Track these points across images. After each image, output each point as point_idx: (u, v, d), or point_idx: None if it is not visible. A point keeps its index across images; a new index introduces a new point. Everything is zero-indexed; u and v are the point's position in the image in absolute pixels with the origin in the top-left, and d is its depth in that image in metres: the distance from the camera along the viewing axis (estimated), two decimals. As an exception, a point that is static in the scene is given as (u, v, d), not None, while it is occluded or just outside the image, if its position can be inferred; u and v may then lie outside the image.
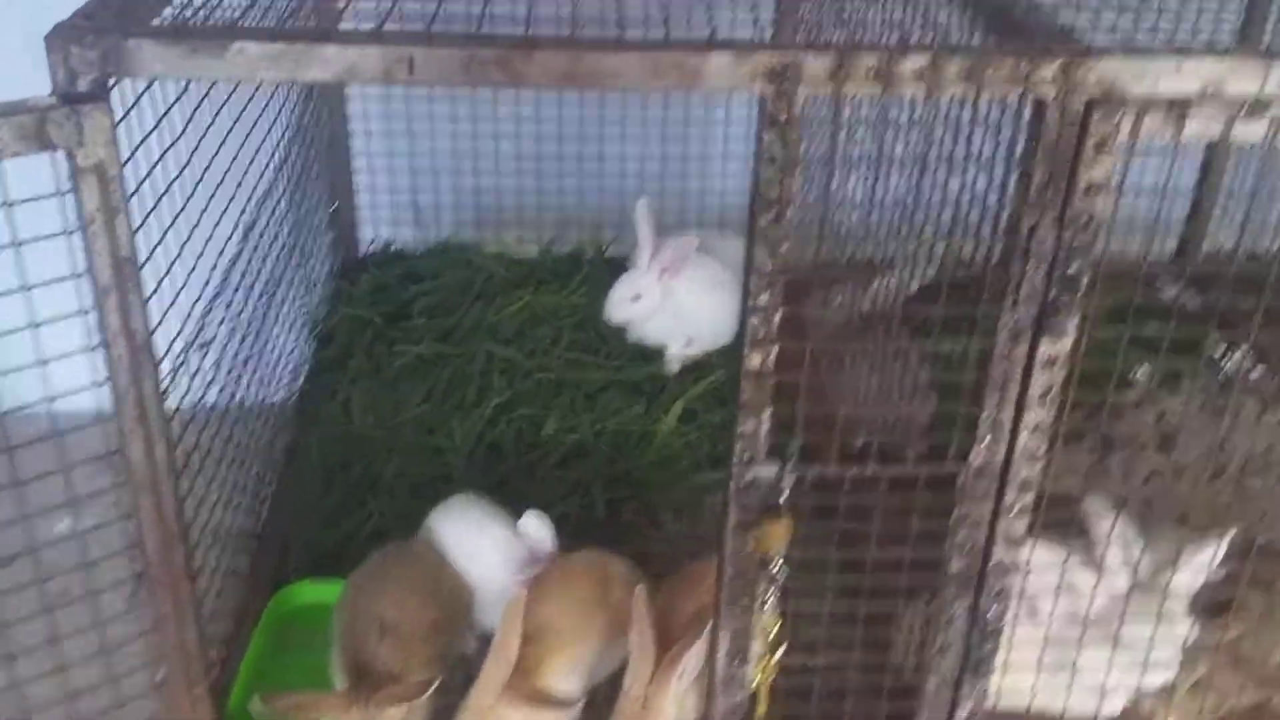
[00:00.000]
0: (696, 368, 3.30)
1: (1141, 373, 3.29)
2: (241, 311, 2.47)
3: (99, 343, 1.62)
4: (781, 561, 1.94)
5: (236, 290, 2.41)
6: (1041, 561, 2.05)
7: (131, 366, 1.64)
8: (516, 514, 2.50)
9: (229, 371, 2.41)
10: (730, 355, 3.26)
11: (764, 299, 1.73)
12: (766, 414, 1.85)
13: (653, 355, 3.30)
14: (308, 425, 3.06)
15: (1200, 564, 2.17)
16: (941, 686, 2.13)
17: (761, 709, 2.11)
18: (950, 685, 2.13)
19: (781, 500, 1.88)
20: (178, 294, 1.99)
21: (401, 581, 2.32)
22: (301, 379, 3.22)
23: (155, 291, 1.81)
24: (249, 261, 2.50)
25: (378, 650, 2.17)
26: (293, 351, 3.13)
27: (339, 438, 3.01)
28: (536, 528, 2.42)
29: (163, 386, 1.73)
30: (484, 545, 2.46)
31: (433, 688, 2.02)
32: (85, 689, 1.91)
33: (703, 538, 2.76)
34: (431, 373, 3.21)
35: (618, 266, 3.36)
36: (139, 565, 1.82)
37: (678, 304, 3.21)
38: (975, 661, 2.09)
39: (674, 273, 3.16)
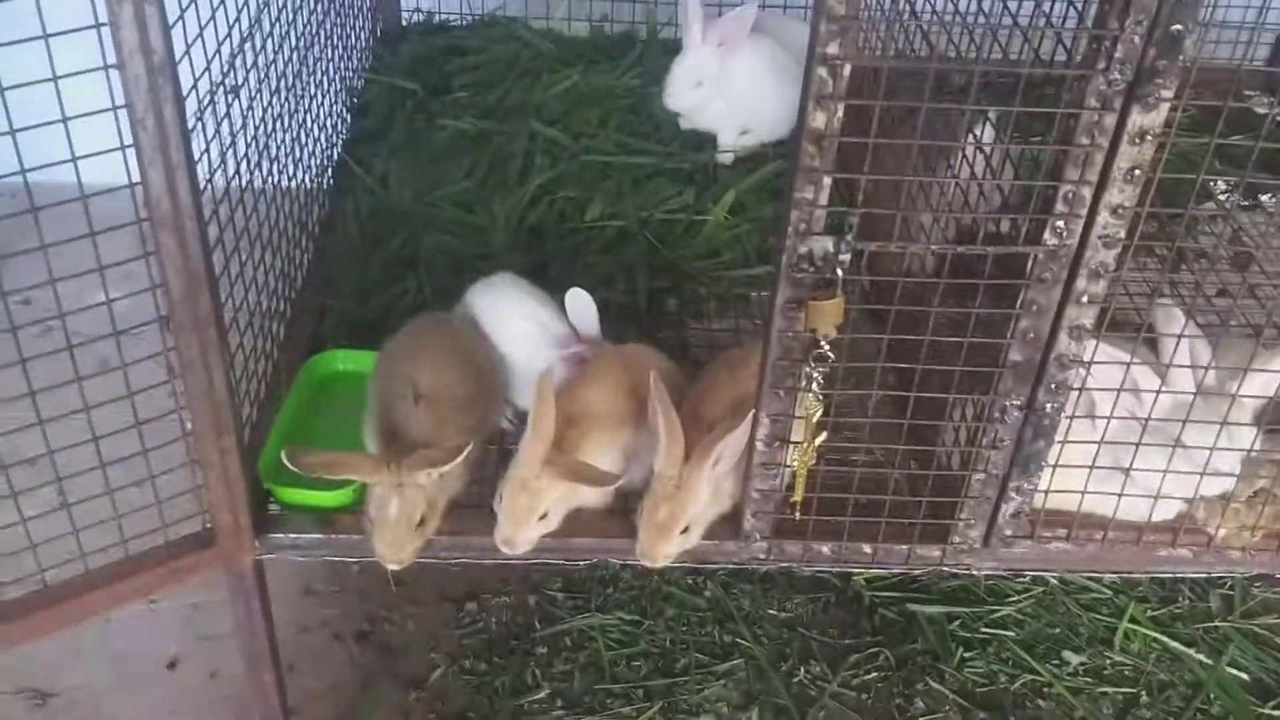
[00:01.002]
0: (750, 159, 3.14)
1: (1222, 187, 3.12)
2: (273, 62, 2.33)
3: (113, 63, 1.50)
4: (830, 342, 1.85)
5: (268, 38, 2.28)
6: (1105, 359, 1.95)
7: (150, 89, 1.53)
8: (557, 298, 2.41)
9: (261, 125, 2.29)
10: (786, 147, 3.11)
11: (833, 47, 1.58)
12: (827, 181, 1.73)
13: (705, 144, 3.15)
14: (344, 197, 2.96)
15: (1269, 376, 2.06)
16: (988, 482, 2.06)
17: (798, 495, 2.05)
18: (997, 482, 2.06)
19: (838, 274, 1.77)
20: (202, 28, 1.86)
21: (438, 351, 2.25)
22: (338, 148, 3.11)
23: (179, 19, 1.68)
24: (281, 7, 2.35)
25: (411, 416, 2.11)
26: (329, 119, 3.00)
27: (377, 211, 2.91)
28: (581, 306, 2.33)
29: (190, 124, 1.63)
30: (524, 324, 2.38)
31: (465, 453, 1.97)
32: (116, 460, 1.89)
33: (746, 333, 2.68)
34: (473, 149, 3.08)
35: (672, 49, 3.16)
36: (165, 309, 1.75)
37: (735, 87, 3.00)
38: (1026, 458, 2.01)
39: (732, 47, 2.95)
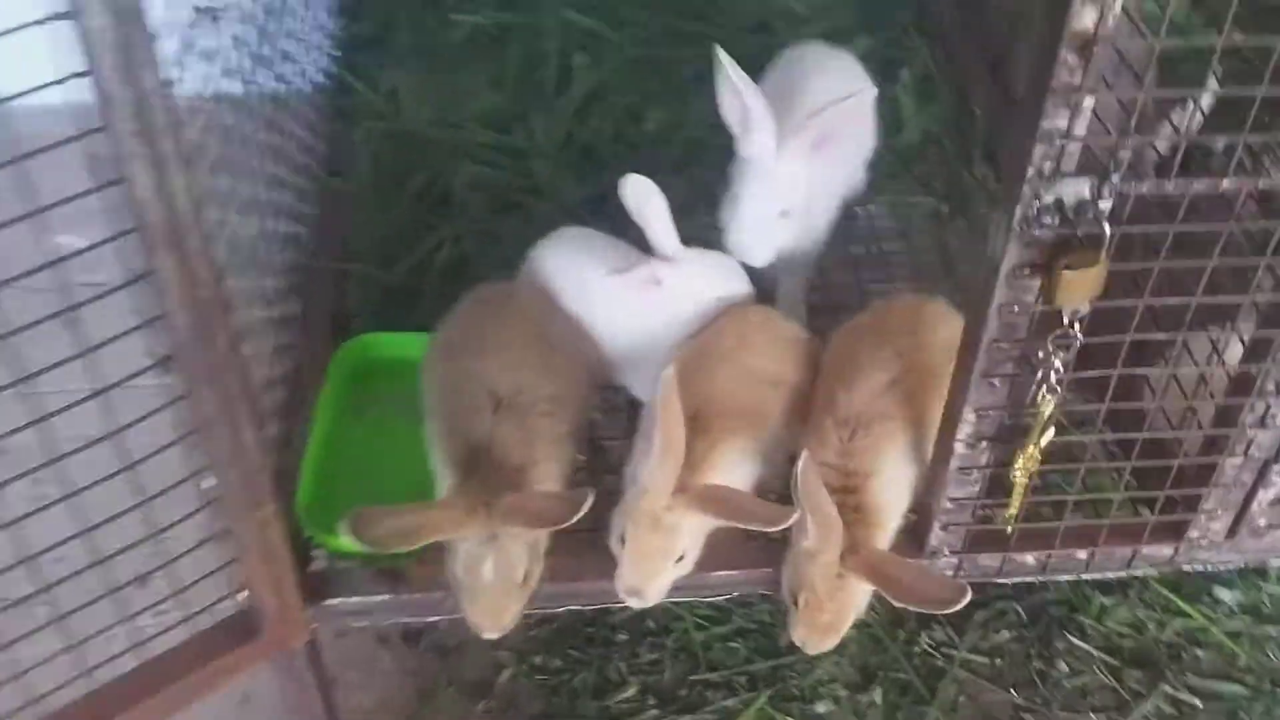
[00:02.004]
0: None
1: None
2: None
3: None
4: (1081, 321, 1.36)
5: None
6: None
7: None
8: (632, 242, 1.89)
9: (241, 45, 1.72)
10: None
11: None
12: (1089, 105, 1.21)
13: (779, 22, 2.57)
14: (347, 123, 2.39)
15: None
16: (1246, 467, 1.60)
17: (1014, 508, 1.59)
18: (1257, 466, 1.60)
19: (1105, 229, 1.27)
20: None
21: (511, 339, 1.74)
22: (327, 61, 2.51)
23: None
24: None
25: (492, 432, 1.62)
26: (317, 25, 2.40)
27: (390, 138, 2.35)
28: (644, 199, 1.77)
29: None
30: (606, 283, 1.85)
31: (587, 505, 1.48)
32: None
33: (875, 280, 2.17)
34: (497, 51, 2.50)
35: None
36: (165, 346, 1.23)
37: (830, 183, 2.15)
38: (1303, 437, 1.55)
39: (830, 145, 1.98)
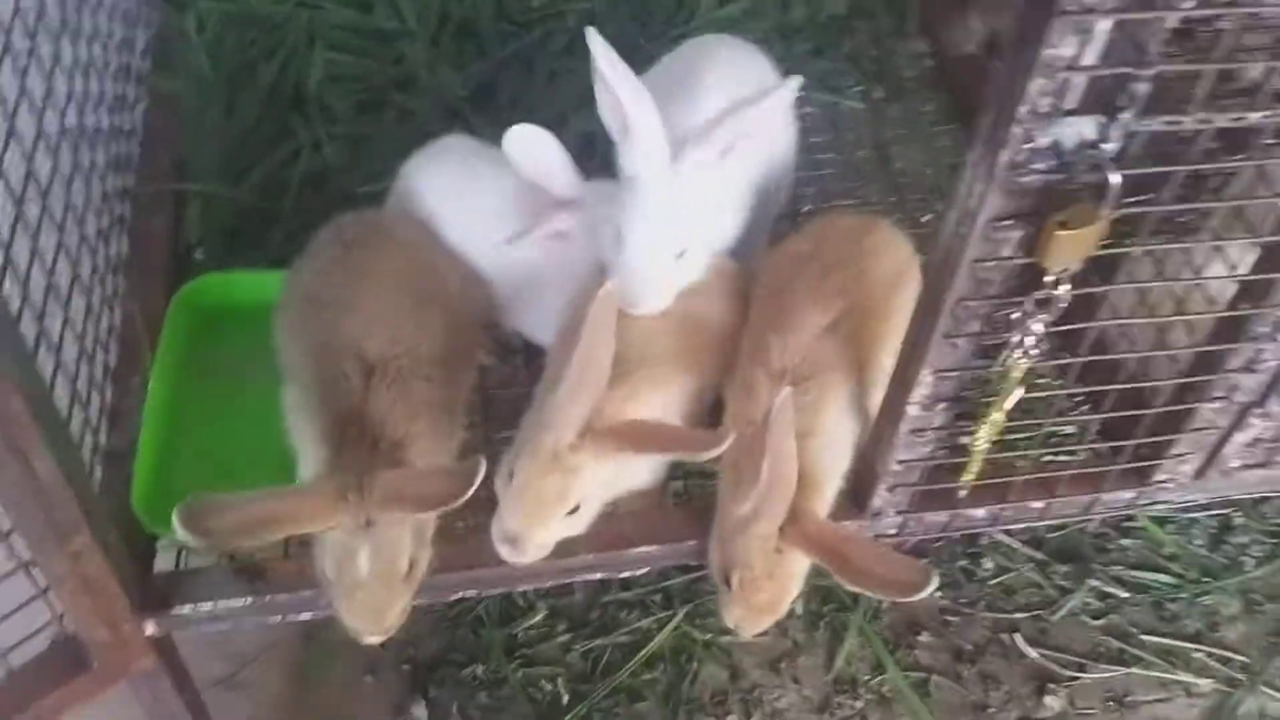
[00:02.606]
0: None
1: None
2: None
3: None
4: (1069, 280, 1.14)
5: None
6: None
7: None
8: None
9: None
10: None
11: None
12: (1105, 28, 0.96)
13: None
14: (176, 7, 2.00)
15: None
16: (1224, 411, 1.43)
17: (970, 473, 1.39)
18: (1238, 410, 1.43)
19: (1109, 179, 1.04)
20: None
21: (382, 287, 1.46)
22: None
23: None
24: None
25: (364, 402, 1.36)
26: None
27: (230, 23, 1.98)
28: (535, 148, 1.48)
29: None
30: (499, 206, 1.56)
31: (478, 478, 1.24)
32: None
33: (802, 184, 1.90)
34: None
35: None
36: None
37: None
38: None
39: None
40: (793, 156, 1.72)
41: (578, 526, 1.39)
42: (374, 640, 1.35)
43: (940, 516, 1.52)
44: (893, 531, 1.52)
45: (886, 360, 1.43)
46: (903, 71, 2.09)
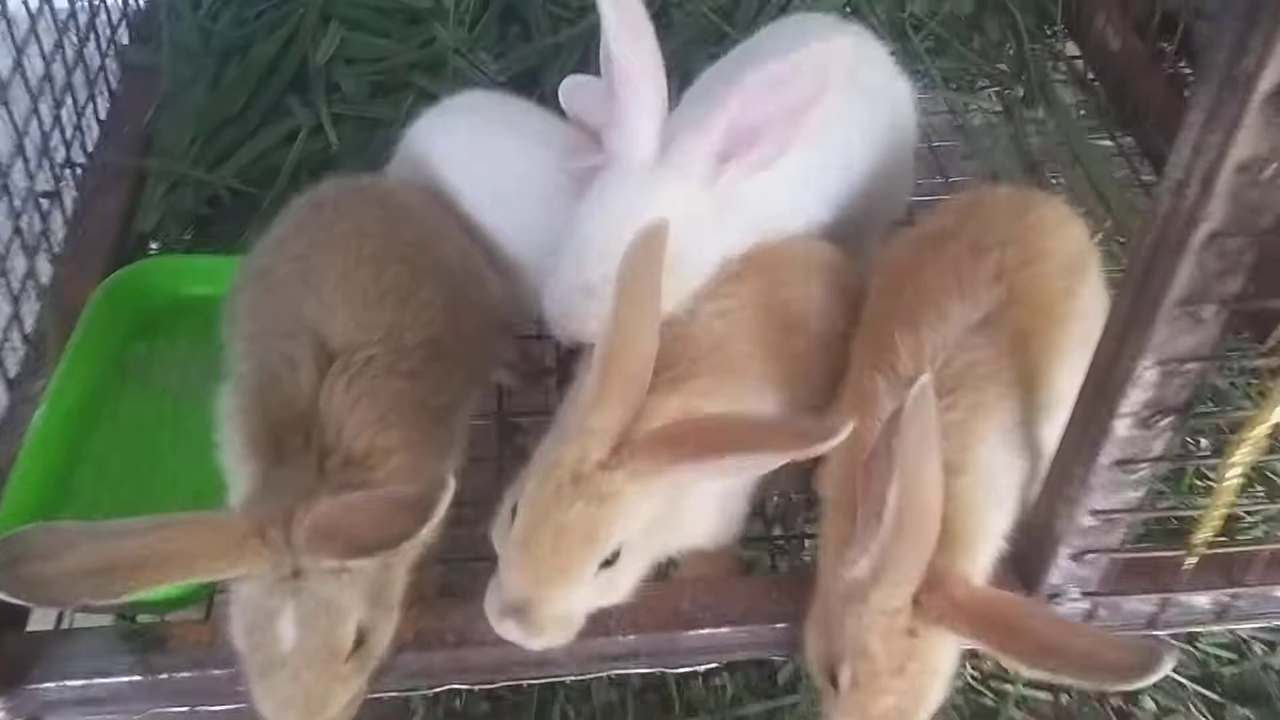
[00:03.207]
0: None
1: None
2: None
3: None
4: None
5: None
6: None
7: None
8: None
9: None
10: None
11: None
12: None
13: None
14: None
15: None
16: None
17: (1205, 531, 0.93)
18: None
19: None
20: None
21: (358, 255, 1.07)
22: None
23: None
24: None
25: (313, 401, 0.96)
26: None
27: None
28: (584, 95, 1.14)
29: None
30: (528, 171, 1.16)
31: (444, 500, 0.82)
32: None
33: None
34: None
35: None
36: None
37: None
38: None
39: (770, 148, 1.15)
40: (911, 144, 1.31)
41: (614, 591, 0.95)
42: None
43: (1146, 605, 1.05)
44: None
45: (1062, 381, 1.00)
46: (1047, 71, 1.69)
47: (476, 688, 1.38)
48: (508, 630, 0.91)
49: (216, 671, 0.96)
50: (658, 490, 0.91)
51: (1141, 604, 1.06)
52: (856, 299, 1.15)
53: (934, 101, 1.63)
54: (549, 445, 0.94)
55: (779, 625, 1.03)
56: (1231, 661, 1.70)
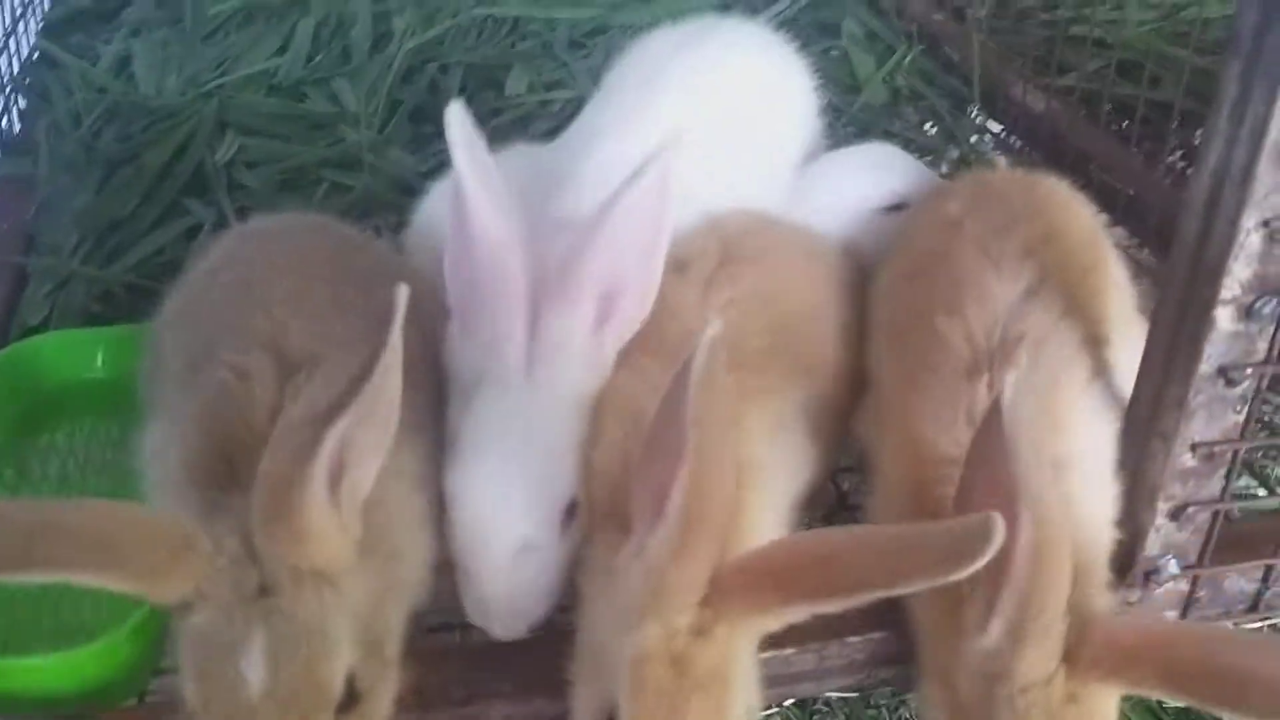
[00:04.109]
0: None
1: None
2: None
3: None
4: None
5: None
6: None
7: None
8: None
9: None
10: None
11: None
12: None
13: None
14: (56, 95, 1.57)
15: None
16: None
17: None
18: None
19: None
20: None
21: (310, 281, 0.92)
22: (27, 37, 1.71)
23: None
24: None
25: (270, 416, 0.78)
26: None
27: (114, 116, 1.56)
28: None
29: None
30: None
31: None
32: None
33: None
34: (279, 18, 1.74)
35: None
36: None
37: None
38: None
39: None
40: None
41: None
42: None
43: (1249, 582, 0.92)
44: (1176, 607, 0.91)
45: (1119, 352, 0.90)
46: (974, 141, 1.67)
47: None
48: None
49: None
50: (744, 644, 0.75)
51: (1244, 581, 0.92)
52: (851, 290, 1.05)
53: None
54: (612, 601, 0.75)
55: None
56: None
